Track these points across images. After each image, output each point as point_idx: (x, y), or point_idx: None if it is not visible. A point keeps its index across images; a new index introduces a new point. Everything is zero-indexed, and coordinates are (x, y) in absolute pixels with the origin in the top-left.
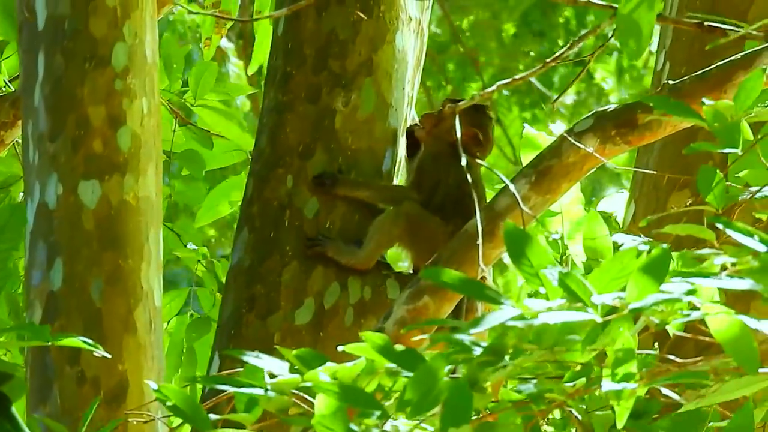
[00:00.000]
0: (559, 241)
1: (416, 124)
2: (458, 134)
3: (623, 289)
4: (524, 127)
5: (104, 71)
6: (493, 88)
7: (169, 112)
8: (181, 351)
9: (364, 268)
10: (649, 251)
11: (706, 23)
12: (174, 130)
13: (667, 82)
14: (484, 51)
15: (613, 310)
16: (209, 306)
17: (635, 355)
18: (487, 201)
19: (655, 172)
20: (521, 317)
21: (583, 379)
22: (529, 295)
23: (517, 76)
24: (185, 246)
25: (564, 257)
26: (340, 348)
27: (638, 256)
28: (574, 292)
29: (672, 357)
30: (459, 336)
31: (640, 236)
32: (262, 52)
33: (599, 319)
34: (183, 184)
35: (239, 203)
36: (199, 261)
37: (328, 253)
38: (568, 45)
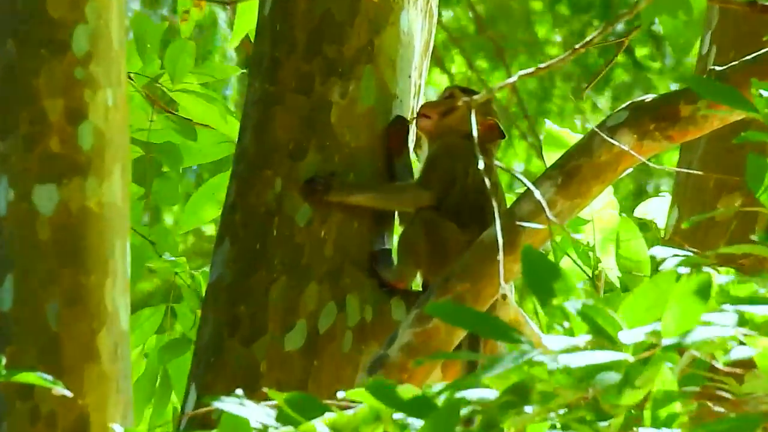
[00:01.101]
0: (591, 254)
1: (419, 115)
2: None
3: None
4: (545, 123)
5: (63, 58)
6: (514, 78)
7: (145, 99)
8: (155, 379)
9: (399, 286)
10: (690, 274)
11: (759, 1)
12: (151, 120)
13: (714, 68)
14: (511, 38)
15: (652, 345)
16: (188, 326)
17: (677, 395)
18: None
19: (700, 173)
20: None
21: (618, 421)
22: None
23: (542, 65)
24: (160, 257)
25: (596, 273)
26: (340, 394)
27: (678, 279)
28: (600, 328)
29: (724, 393)
30: (464, 394)
31: (683, 248)
32: (244, 25)
33: (631, 359)
34: (160, 182)
35: None
36: (176, 273)
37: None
38: (602, 28)
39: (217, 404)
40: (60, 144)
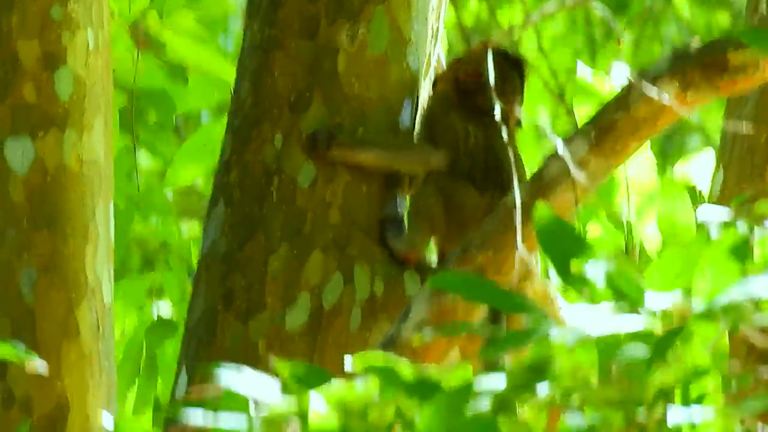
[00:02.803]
0: (624, 222)
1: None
2: (491, 80)
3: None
4: (577, 67)
5: None
6: (534, 17)
7: (130, 39)
8: (139, 358)
9: (410, 257)
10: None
11: None
12: (136, 64)
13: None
14: None
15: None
16: (176, 300)
17: (709, 370)
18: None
19: (749, 132)
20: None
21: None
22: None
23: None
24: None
25: (630, 244)
26: (348, 359)
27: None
28: (623, 293)
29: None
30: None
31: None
32: None
33: (659, 327)
34: (149, 134)
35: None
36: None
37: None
38: None
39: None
40: (35, 92)
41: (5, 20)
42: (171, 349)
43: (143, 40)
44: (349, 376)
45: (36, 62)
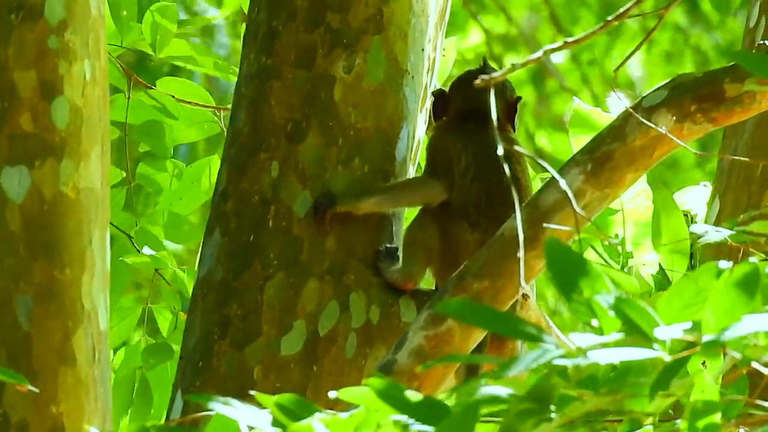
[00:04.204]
0: (620, 248)
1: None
2: (493, 109)
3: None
4: (573, 101)
5: (35, 26)
6: (539, 54)
7: (120, 73)
8: (132, 386)
9: (407, 287)
10: (735, 265)
11: None
12: (129, 97)
13: (764, 42)
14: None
15: (689, 345)
16: (169, 330)
17: (719, 403)
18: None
19: (746, 159)
20: (566, 356)
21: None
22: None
23: (569, 39)
24: (139, 251)
25: (626, 269)
26: (332, 394)
27: (719, 275)
28: (634, 323)
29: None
30: (491, 390)
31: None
32: None
33: (667, 357)
34: (146, 166)
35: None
36: (156, 270)
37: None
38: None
39: (209, 405)
40: (32, 122)
41: (2, 50)
42: (166, 373)
43: (133, 73)
44: (344, 405)
45: (33, 92)
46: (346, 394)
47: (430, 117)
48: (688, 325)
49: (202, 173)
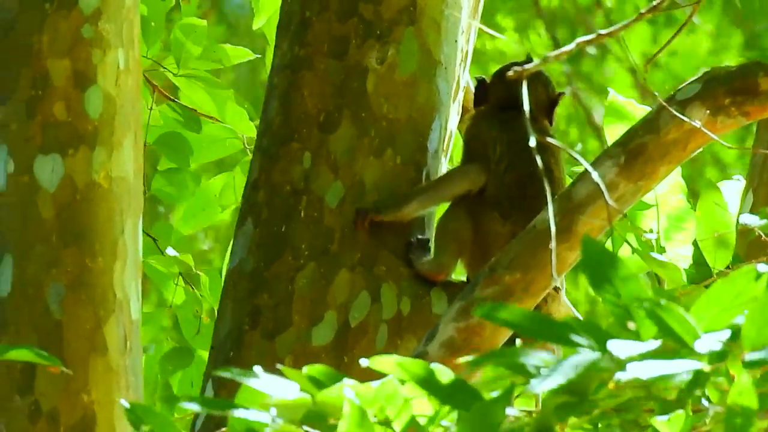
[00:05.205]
0: (654, 243)
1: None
2: (526, 101)
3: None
4: (609, 92)
5: (69, 14)
6: (571, 46)
7: (145, 84)
8: (155, 387)
9: (439, 279)
10: None
11: None
12: (150, 108)
13: None
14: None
15: (724, 353)
16: (191, 333)
17: (755, 413)
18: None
19: None
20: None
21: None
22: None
23: (602, 31)
24: (163, 253)
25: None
26: (363, 362)
27: (758, 278)
28: (671, 330)
29: None
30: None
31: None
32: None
33: (707, 368)
34: (164, 178)
35: (233, 207)
36: (180, 274)
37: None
38: None
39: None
40: (65, 110)
41: (36, 39)
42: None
43: (157, 85)
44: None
45: (67, 80)
46: (378, 363)
47: (463, 108)
48: (727, 334)
49: (220, 188)
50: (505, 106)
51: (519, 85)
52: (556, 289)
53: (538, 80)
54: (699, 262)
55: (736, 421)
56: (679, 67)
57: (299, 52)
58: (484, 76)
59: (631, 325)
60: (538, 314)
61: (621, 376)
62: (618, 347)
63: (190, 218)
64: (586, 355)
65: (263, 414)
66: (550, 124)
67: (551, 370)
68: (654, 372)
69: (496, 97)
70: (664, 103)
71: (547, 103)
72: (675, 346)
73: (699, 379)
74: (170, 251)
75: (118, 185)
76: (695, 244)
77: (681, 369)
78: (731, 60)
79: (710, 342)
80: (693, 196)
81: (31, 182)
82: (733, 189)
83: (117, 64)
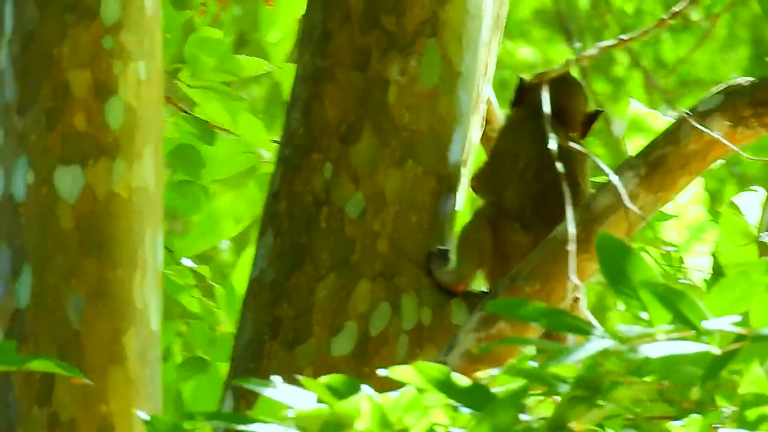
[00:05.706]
0: (673, 254)
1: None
2: (546, 108)
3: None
4: (630, 103)
5: (90, 25)
6: (592, 51)
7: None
8: (171, 399)
9: (459, 289)
10: None
11: None
12: (165, 120)
13: None
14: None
15: (739, 338)
16: (204, 345)
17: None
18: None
19: None
20: (614, 349)
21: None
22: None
23: (623, 36)
24: (178, 264)
25: (680, 273)
26: (381, 372)
27: None
28: (683, 316)
29: None
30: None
31: None
32: (288, 11)
33: (717, 351)
34: (174, 191)
35: (247, 223)
36: (196, 285)
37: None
38: None
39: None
40: (85, 121)
41: (57, 50)
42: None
43: (171, 96)
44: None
45: (87, 91)
46: (397, 372)
47: (484, 118)
48: (737, 317)
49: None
50: (539, 113)
51: (555, 91)
52: (576, 299)
53: (579, 92)
54: (718, 273)
55: (747, 413)
56: (687, 69)
57: (321, 63)
58: (524, 77)
59: (644, 315)
60: (553, 308)
61: (632, 356)
62: (629, 330)
63: (203, 235)
64: (599, 340)
65: (277, 427)
66: (582, 136)
67: (567, 352)
68: (663, 352)
69: (532, 100)
70: (685, 115)
71: (583, 117)
72: (686, 330)
73: (714, 369)
74: (186, 262)
75: (138, 196)
76: (714, 255)
77: (690, 350)
78: (740, 64)
79: (720, 323)
80: (714, 207)
81: (50, 193)
82: (752, 200)
83: (138, 75)
